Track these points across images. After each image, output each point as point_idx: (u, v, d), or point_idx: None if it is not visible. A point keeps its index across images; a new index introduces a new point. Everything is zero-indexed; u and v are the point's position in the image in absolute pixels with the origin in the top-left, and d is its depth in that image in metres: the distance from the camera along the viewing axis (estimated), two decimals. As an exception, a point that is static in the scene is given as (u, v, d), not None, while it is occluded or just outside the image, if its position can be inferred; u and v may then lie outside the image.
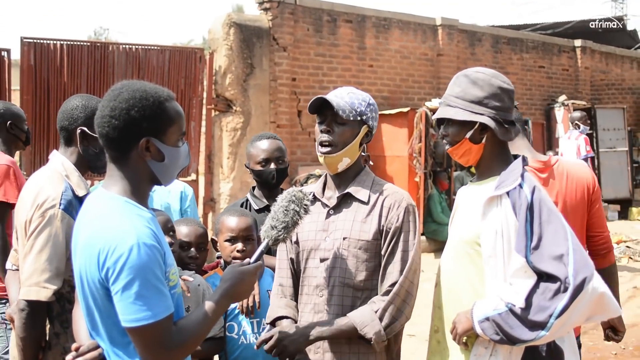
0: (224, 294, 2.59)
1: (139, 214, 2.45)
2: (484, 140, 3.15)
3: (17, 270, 3.71)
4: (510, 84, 3.20)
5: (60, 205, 3.42)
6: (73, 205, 3.46)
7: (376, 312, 3.10)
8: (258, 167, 4.27)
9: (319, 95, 3.23)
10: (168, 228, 3.66)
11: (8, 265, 3.86)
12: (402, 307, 3.13)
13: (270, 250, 3.57)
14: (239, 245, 3.73)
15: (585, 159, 11.06)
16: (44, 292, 3.33)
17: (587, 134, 16.87)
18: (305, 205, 3.07)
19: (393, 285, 3.14)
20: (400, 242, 3.18)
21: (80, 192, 3.53)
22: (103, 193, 2.51)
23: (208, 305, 2.54)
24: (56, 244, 3.38)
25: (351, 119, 3.20)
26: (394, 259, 3.17)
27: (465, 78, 3.18)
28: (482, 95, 3.11)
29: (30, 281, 3.33)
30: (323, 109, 3.25)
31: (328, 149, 3.22)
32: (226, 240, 3.78)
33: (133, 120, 2.45)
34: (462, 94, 3.15)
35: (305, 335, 3.12)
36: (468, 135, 3.13)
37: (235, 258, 3.70)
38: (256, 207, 4.30)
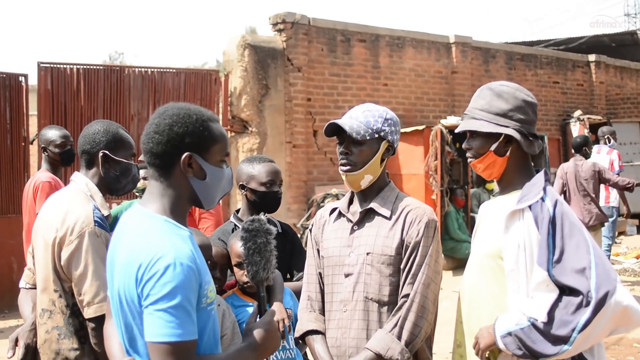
0: (253, 348, 2.54)
1: (178, 233, 2.45)
2: (508, 153, 3.15)
3: (32, 288, 3.80)
4: (533, 97, 3.21)
5: (95, 222, 3.47)
6: (104, 221, 3.54)
7: (391, 332, 3.09)
8: (262, 189, 4.22)
9: (332, 121, 3.24)
10: (209, 255, 3.64)
11: (22, 284, 3.92)
12: (419, 322, 3.11)
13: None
14: None
15: (618, 174, 10.85)
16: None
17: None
18: (266, 230, 2.80)
19: (405, 298, 3.14)
20: (417, 256, 3.18)
21: (105, 212, 3.61)
22: (141, 211, 2.52)
23: (237, 350, 2.53)
24: (103, 258, 3.43)
25: (368, 138, 3.21)
26: (409, 274, 3.17)
27: (489, 91, 3.19)
28: (507, 107, 3.12)
29: (99, 298, 3.39)
30: (340, 131, 3.26)
31: (348, 167, 3.24)
32: (235, 265, 3.77)
33: (176, 135, 2.47)
34: (487, 106, 3.15)
35: None
36: (493, 147, 3.13)
37: (244, 283, 3.70)
38: None
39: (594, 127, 16.98)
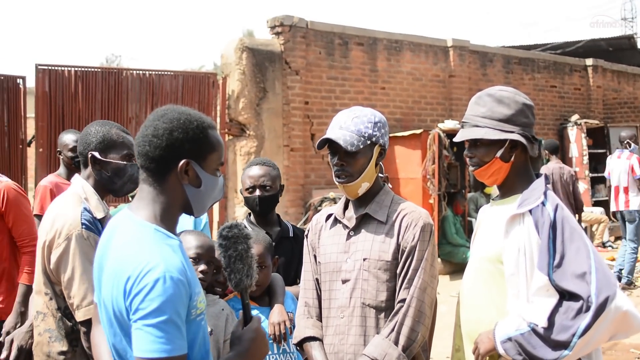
0: (241, 356, 2.54)
1: (168, 243, 2.41)
2: (512, 158, 3.16)
3: None
4: (530, 100, 3.23)
5: (82, 225, 3.48)
6: (93, 224, 3.53)
7: (388, 337, 3.08)
8: (246, 194, 4.26)
9: (325, 137, 3.21)
10: (212, 256, 3.63)
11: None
12: (416, 327, 3.10)
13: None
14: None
15: (639, 179, 11.22)
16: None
17: (600, 153, 16.92)
18: (245, 235, 2.74)
19: (401, 303, 3.12)
20: (414, 260, 3.16)
21: (98, 215, 3.61)
22: (131, 217, 2.48)
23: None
24: (92, 261, 3.44)
25: (361, 147, 3.20)
26: (405, 278, 3.15)
27: (489, 97, 3.19)
28: (510, 113, 3.12)
29: (87, 301, 3.40)
30: (332, 141, 3.23)
31: (345, 179, 3.23)
32: None
33: (175, 141, 2.45)
34: (489, 113, 3.15)
35: None
36: (499, 154, 3.14)
37: None
38: None
39: (591, 132, 17.01)
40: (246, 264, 2.66)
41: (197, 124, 2.50)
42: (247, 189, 4.25)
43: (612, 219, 12.77)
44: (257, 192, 4.21)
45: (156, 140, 2.44)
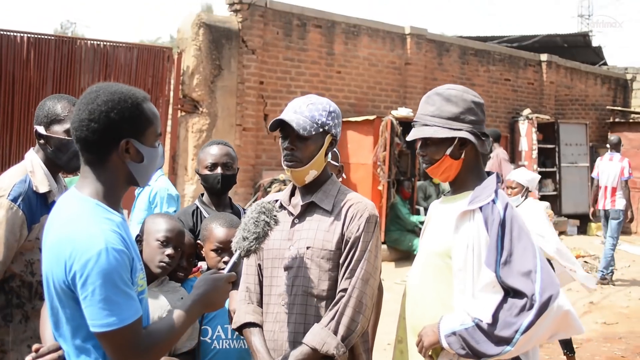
0: (197, 301, 2.61)
1: (108, 217, 2.44)
2: (463, 156, 3.19)
3: None
4: (480, 97, 3.27)
5: (8, 195, 3.44)
6: (27, 198, 3.49)
7: (328, 326, 3.07)
8: (205, 172, 4.27)
9: (278, 118, 3.20)
10: (180, 242, 3.63)
11: None
12: (356, 318, 3.08)
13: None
14: (226, 257, 3.67)
15: (626, 181, 12.31)
16: None
17: (549, 148, 17.20)
18: (275, 216, 3.06)
19: (342, 292, 3.12)
20: (357, 251, 3.15)
21: (42, 189, 3.54)
22: (75, 194, 2.50)
23: (179, 312, 2.54)
24: (10, 231, 3.42)
25: (313, 133, 3.18)
26: (348, 269, 3.14)
27: (437, 96, 3.23)
28: (458, 111, 3.16)
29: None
30: (284, 125, 3.22)
31: (293, 163, 3.22)
32: (212, 250, 3.73)
33: (113, 123, 2.44)
34: (437, 112, 3.19)
35: None
36: (448, 151, 3.18)
37: (220, 269, 3.67)
38: (207, 215, 4.23)
39: (541, 126, 17.23)
40: (255, 231, 2.98)
41: (131, 101, 2.50)
42: (206, 167, 4.25)
43: (591, 217, 13.62)
44: (219, 170, 4.22)
45: (93, 124, 2.44)
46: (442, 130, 3.16)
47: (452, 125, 3.16)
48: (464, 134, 3.14)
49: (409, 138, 3.35)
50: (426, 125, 3.21)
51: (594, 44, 25.24)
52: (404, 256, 12.52)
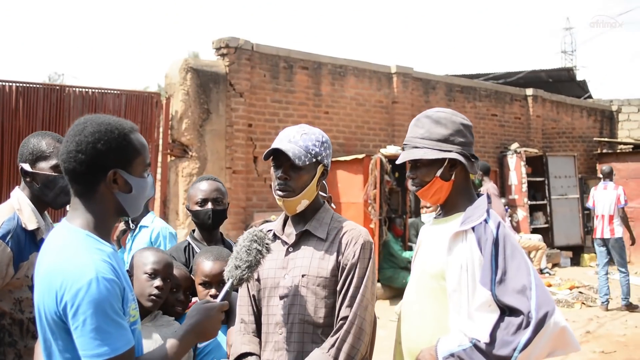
0: (190, 330, 2.62)
1: (99, 248, 2.45)
2: (453, 177, 3.22)
3: None
4: (468, 120, 3.31)
5: None
6: (15, 236, 3.49)
7: (328, 352, 3.08)
8: (196, 207, 4.29)
9: (273, 147, 3.22)
10: (169, 273, 3.64)
11: None
12: (356, 344, 3.09)
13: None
14: (212, 291, 3.68)
15: (623, 208, 12.27)
16: None
17: (539, 181, 17.24)
18: (267, 244, 3.09)
19: (343, 320, 3.12)
20: (354, 278, 3.16)
21: (30, 226, 3.55)
22: (66, 226, 2.51)
23: (172, 341, 2.54)
24: None
25: (307, 163, 3.20)
26: (346, 296, 3.15)
27: (427, 119, 3.26)
28: (447, 133, 3.19)
29: None
30: (278, 154, 3.24)
31: (286, 193, 3.24)
32: (200, 284, 3.75)
33: (100, 154, 2.47)
34: (427, 134, 3.22)
35: None
36: (438, 173, 3.21)
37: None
38: (198, 251, 4.24)
39: (530, 160, 17.30)
40: (247, 260, 3.00)
41: (118, 132, 2.53)
42: (197, 203, 4.27)
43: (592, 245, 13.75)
44: (210, 205, 4.24)
45: (80, 155, 2.46)
46: (432, 151, 3.19)
47: (442, 147, 3.18)
48: (454, 155, 3.17)
49: (398, 161, 3.36)
50: (416, 147, 3.24)
51: (579, 78, 25.45)
52: (398, 293, 12.47)
